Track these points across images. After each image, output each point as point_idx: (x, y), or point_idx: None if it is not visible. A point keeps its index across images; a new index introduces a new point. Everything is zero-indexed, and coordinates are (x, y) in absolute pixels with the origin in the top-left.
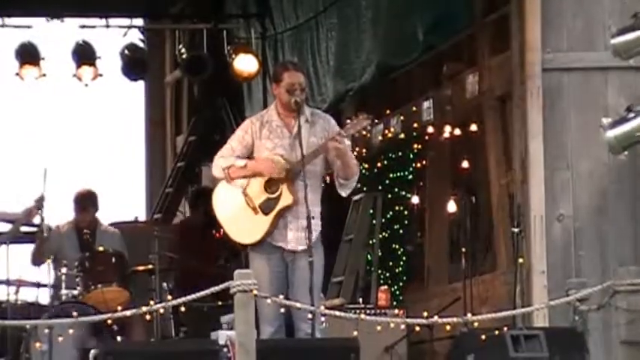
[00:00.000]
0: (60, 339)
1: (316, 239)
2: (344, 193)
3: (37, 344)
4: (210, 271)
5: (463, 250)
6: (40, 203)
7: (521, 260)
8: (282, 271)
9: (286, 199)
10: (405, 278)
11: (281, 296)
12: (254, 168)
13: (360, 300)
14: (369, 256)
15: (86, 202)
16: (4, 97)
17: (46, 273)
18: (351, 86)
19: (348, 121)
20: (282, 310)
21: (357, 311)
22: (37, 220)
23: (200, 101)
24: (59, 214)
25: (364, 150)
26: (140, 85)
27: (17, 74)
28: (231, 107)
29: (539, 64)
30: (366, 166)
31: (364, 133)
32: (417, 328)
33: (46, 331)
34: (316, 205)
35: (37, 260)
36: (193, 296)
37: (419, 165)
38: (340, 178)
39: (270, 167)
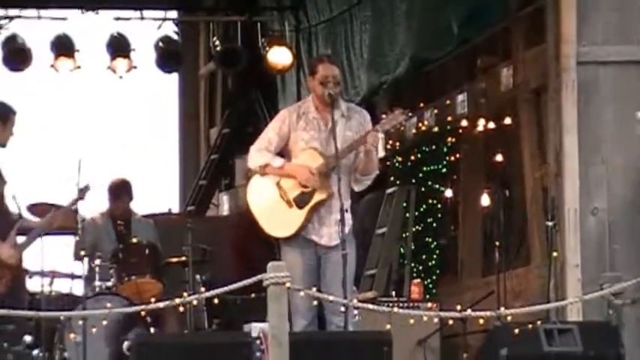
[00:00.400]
0: (94, 330)
1: (348, 232)
2: (357, 189)
3: (71, 335)
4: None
5: (497, 243)
6: (83, 193)
7: (555, 254)
8: (315, 265)
9: (321, 193)
10: (438, 271)
11: (314, 289)
12: (290, 172)
13: (393, 293)
14: (402, 249)
15: (120, 190)
16: (40, 89)
17: (80, 264)
18: (385, 79)
19: (384, 116)
20: (315, 302)
21: (390, 304)
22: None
23: (234, 94)
24: (93, 205)
25: (398, 143)
26: (174, 77)
27: (52, 66)
28: (264, 100)
29: (574, 57)
30: (400, 159)
31: (398, 126)
32: (450, 322)
33: (80, 322)
34: (348, 198)
35: (79, 256)
36: (226, 288)
37: (452, 158)
38: (359, 172)
39: (306, 176)
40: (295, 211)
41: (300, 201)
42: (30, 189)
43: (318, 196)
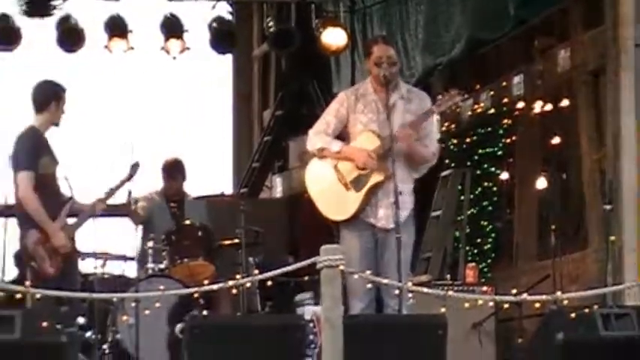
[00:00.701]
0: (146, 312)
1: (408, 216)
2: (414, 176)
3: (124, 317)
4: None
5: (553, 227)
6: (134, 171)
7: (612, 238)
8: (372, 248)
9: (378, 175)
10: (493, 255)
11: (368, 272)
12: (348, 155)
13: (448, 276)
14: (457, 233)
15: (174, 170)
16: (93, 70)
17: (132, 246)
18: (440, 61)
19: (440, 96)
20: (369, 285)
21: (445, 288)
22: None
23: (287, 75)
24: (145, 186)
25: (453, 125)
26: (228, 58)
27: (106, 47)
28: (318, 82)
29: (632, 39)
30: (455, 141)
31: (453, 108)
32: (506, 306)
33: (133, 304)
34: (408, 181)
35: (137, 220)
36: (279, 271)
37: (508, 140)
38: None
39: (364, 159)
40: (352, 194)
41: (357, 183)
42: (83, 170)
43: (375, 178)
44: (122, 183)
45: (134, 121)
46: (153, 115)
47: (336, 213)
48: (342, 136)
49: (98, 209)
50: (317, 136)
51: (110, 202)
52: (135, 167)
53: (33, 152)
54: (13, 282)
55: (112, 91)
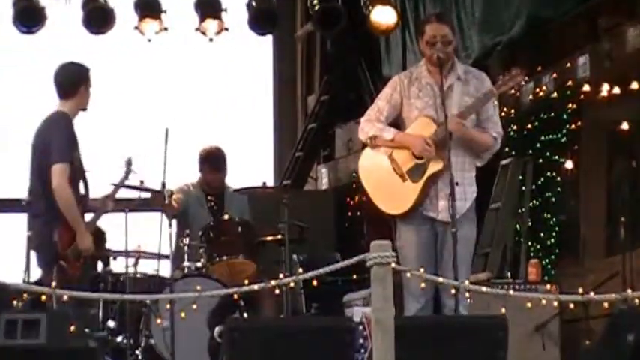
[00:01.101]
0: (182, 314)
1: (469, 208)
2: (478, 164)
3: (158, 320)
4: None
5: (622, 219)
6: (129, 166)
7: None
8: (431, 243)
9: (436, 164)
10: (557, 251)
11: (421, 269)
12: (403, 143)
13: (508, 274)
14: (517, 227)
15: (218, 160)
16: (123, 53)
17: (167, 243)
18: (499, 40)
19: (500, 76)
20: (423, 284)
21: (505, 286)
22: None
23: (333, 57)
24: (181, 176)
25: (513, 110)
26: (268, 39)
27: (136, 28)
28: (367, 64)
29: None
30: (515, 127)
31: (513, 91)
32: (571, 305)
33: (168, 305)
34: (469, 170)
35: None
36: (325, 269)
37: (573, 126)
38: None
39: (421, 147)
40: (410, 185)
41: (414, 174)
42: (112, 161)
43: (433, 168)
44: (122, 180)
45: (168, 108)
46: (188, 101)
47: (393, 207)
48: (397, 123)
49: (108, 207)
50: (369, 124)
51: (143, 195)
52: (129, 163)
53: (69, 143)
54: (37, 283)
55: (143, 76)
